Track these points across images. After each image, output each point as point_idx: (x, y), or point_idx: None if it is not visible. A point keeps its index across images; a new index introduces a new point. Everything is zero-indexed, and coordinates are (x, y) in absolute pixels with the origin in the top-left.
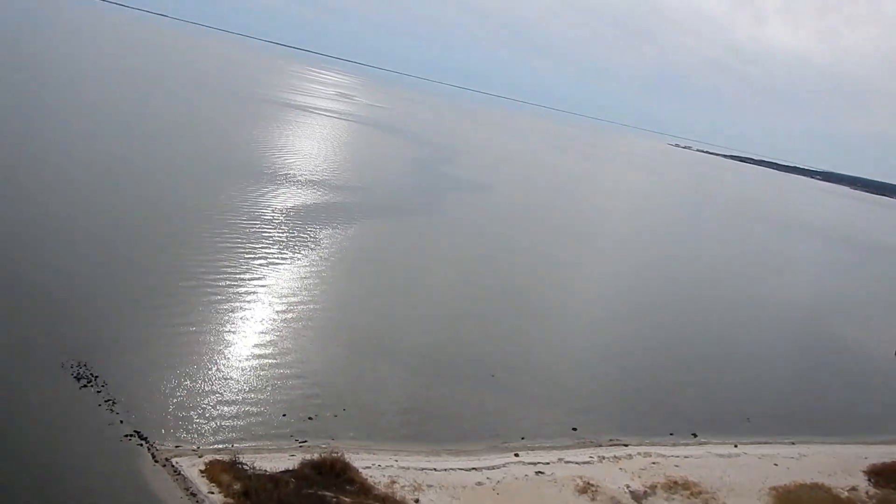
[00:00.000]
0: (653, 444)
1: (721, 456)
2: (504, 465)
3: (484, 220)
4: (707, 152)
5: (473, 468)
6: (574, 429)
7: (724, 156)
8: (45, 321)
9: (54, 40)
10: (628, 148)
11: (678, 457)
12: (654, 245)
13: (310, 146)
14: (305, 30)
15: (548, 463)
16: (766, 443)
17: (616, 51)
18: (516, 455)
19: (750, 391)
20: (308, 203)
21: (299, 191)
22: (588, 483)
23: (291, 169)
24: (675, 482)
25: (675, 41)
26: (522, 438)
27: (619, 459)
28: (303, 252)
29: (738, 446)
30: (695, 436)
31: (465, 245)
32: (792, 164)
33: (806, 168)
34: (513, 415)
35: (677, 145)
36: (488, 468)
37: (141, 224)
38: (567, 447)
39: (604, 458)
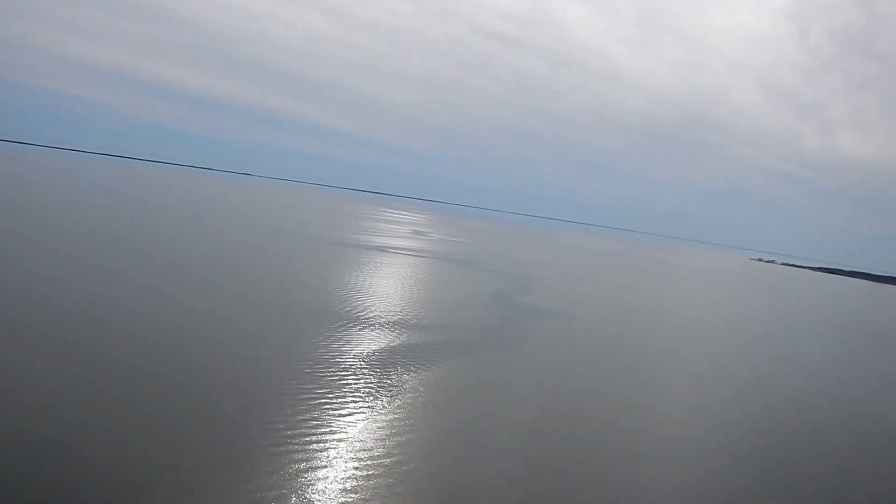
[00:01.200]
0: None
1: None
2: None
3: (568, 351)
4: (793, 265)
5: None
6: None
7: (813, 268)
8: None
9: (138, 202)
10: (710, 264)
11: None
12: (764, 376)
13: (388, 286)
14: (375, 173)
15: None
16: None
17: (673, 167)
18: None
19: None
20: (389, 346)
21: (380, 334)
22: None
23: (371, 311)
24: None
25: (737, 153)
26: None
27: None
28: (387, 400)
29: None
30: None
31: (550, 380)
32: (886, 274)
33: None
34: None
35: (760, 259)
36: None
37: (221, 376)
38: None
39: None
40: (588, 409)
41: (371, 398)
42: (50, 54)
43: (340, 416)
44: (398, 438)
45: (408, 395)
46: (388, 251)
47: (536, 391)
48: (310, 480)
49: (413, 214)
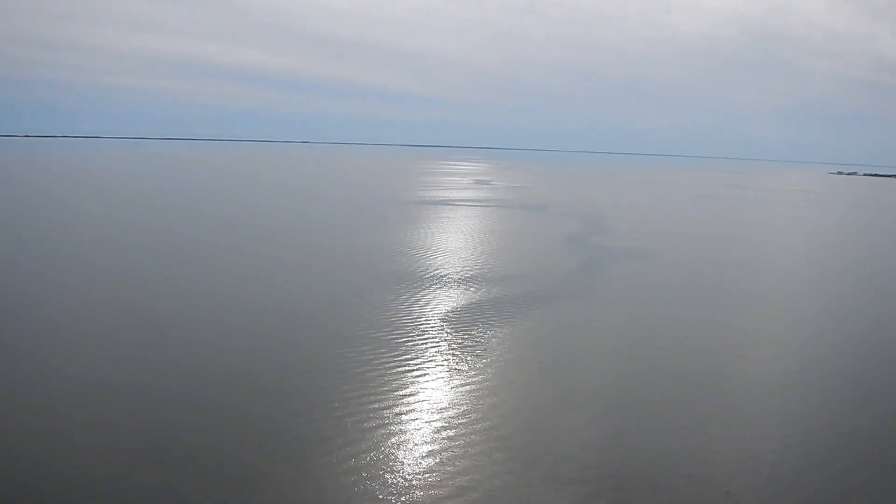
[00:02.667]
0: None
1: None
2: None
3: (652, 291)
4: (876, 175)
5: None
6: None
7: None
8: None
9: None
10: (786, 184)
11: None
12: (860, 300)
13: (458, 240)
14: (431, 128)
15: None
16: None
17: (741, 89)
18: None
19: None
20: (467, 303)
21: (455, 291)
22: None
23: (444, 268)
24: None
25: (808, 66)
26: None
27: None
28: (469, 359)
29: None
30: None
31: (636, 323)
32: None
33: None
34: None
35: (840, 172)
36: None
37: (300, 344)
38: None
39: None
40: (680, 350)
41: (453, 359)
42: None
43: (421, 379)
44: (485, 398)
45: (491, 352)
46: (453, 204)
47: (623, 336)
48: (395, 443)
49: (474, 164)
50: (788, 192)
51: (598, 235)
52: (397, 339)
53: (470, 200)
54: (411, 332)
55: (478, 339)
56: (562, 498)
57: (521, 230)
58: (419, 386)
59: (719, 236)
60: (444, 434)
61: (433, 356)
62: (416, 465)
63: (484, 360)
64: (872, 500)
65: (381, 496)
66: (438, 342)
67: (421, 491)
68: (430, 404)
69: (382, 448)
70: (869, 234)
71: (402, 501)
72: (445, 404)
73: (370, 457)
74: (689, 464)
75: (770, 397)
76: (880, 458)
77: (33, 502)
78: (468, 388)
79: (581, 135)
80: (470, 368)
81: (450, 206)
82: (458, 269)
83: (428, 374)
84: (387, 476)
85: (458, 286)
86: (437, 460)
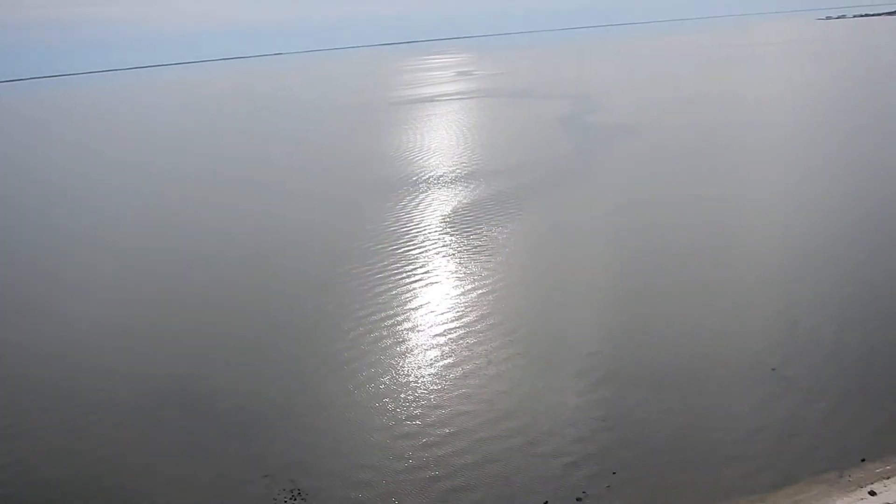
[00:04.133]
0: None
1: None
2: None
3: (650, 166)
4: (866, 15)
5: None
6: None
7: (890, 13)
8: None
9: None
10: (774, 36)
11: None
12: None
13: (448, 137)
14: (402, 24)
15: None
16: None
17: None
18: (871, 493)
19: None
20: (467, 202)
21: (451, 190)
22: None
23: (438, 168)
24: None
25: None
26: (863, 460)
27: None
28: (480, 263)
29: None
30: None
31: (636, 202)
32: None
33: None
34: (834, 428)
35: (829, 17)
36: None
37: (303, 272)
38: None
39: None
40: (688, 226)
41: (460, 263)
42: None
43: (430, 287)
44: (496, 299)
45: (497, 250)
46: (438, 100)
47: (630, 217)
48: (411, 354)
49: (453, 56)
50: (776, 45)
51: (590, 114)
52: (401, 248)
53: (455, 94)
54: (414, 240)
55: (483, 239)
56: (591, 392)
57: (510, 118)
58: (428, 295)
59: (711, 100)
60: (459, 339)
61: (440, 262)
62: (434, 372)
63: (491, 260)
64: None
65: (399, 408)
66: (443, 247)
67: (439, 395)
68: (441, 312)
69: (399, 363)
70: (860, 81)
71: (418, 406)
72: (457, 310)
73: (389, 373)
74: (724, 343)
75: (793, 264)
76: None
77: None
78: (478, 290)
79: (559, 12)
80: (478, 270)
81: (436, 103)
82: (453, 167)
83: (436, 281)
84: (402, 388)
85: (456, 185)
86: (453, 364)
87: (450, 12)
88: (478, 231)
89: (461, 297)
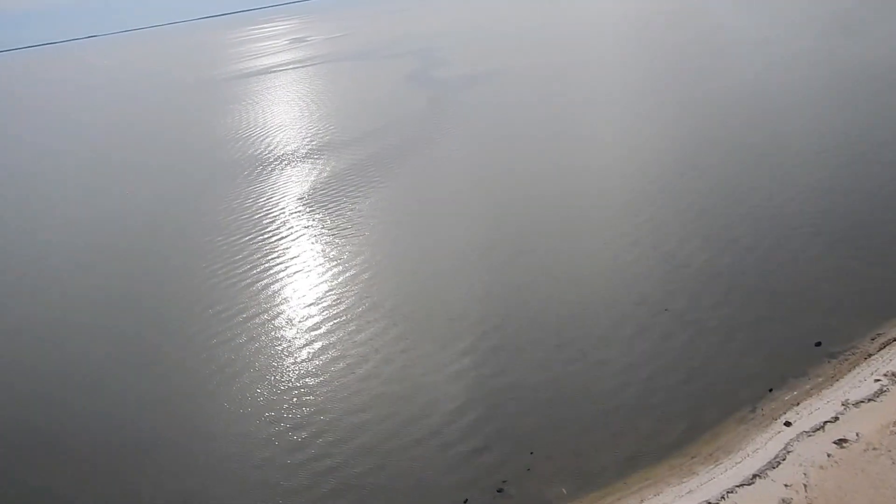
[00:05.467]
0: None
1: None
2: (788, 450)
3: (502, 115)
4: None
5: (755, 475)
6: (818, 343)
7: None
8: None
9: None
10: None
11: None
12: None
13: (292, 110)
14: None
15: (836, 419)
16: None
17: None
18: (787, 424)
19: None
20: (322, 176)
21: (306, 166)
22: None
23: (288, 144)
24: None
25: None
26: (770, 390)
27: None
28: (345, 238)
29: None
30: None
31: (493, 156)
32: None
33: None
34: (731, 361)
35: None
36: (771, 466)
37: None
38: (833, 379)
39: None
40: (550, 171)
41: (324, 241)
42: None
43: (295, 271)
44: (365, 274)
45: (362, 223)
46: (275, 71)
47: (493, 170)
48: (279, 346)
49: (284, 23)
50: None
51: (436, 69)
52: (261, 237)
53: (292, 63)
54: (274, 226)
55: (347, 215)
56: (485, 364)
57: (356, 83)
58: (298, 284)
59: (549, 37)
60: (338, 328)
61: (305, 247)
62: (317, 371)
63: (358, 236)
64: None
65: (284, 418)
66: (306, 229)
67: (326, 398)
68: (315, 302)
69: (278, 366)
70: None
71: (305, 413)
72: (332, 297)
73: (267, 379)
74: (610, 290)
75: (655, 197)
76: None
77: None
78: (351, 272)
79: None
80: (347, 249)
81: (273, 74)
82: (304, 141)
83: (303, 268)
84: (285, 395)
85: (310, 160)
86: (337, 358)
87: None
88: (340, 207)
89: (334, 282)
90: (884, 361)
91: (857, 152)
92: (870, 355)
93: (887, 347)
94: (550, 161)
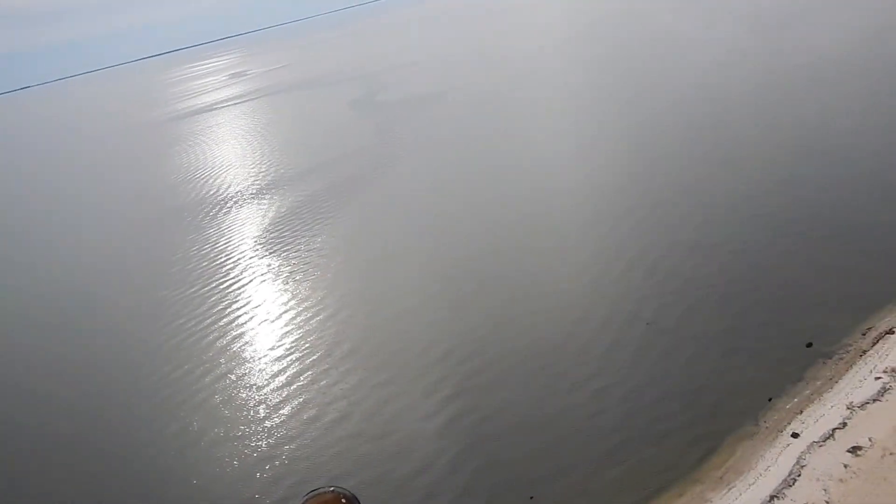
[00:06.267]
0: None
1: None
2: (801, 464)
3: (451, 133)
4: None
5: (772, 496)
6: (809, 344)
7: None
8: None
9: None
10: None
11: None
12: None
13: (237, 147)
14: (160, 33)
15: (844, 424)
16: None
17: None
18: (794, 435)
19: None
20: (276, 215)
21: (257, 205)
22: None
23: (234, 183)
24: None
25: None
26: (770, 400)
27: None
28: (302, 276)
29: None
30: None
31: (446, 174)
32: None
33: None
34: (724, 372)
35: None
36: (786, 484)
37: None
38: (832, 381)
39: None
40: (499, 188)
41: (281, 282)
42: None
43: (251, 315)
44: (326, 314)
45: (318, 260)
46: (217, 108)
47: (448, 193)
48: (246, 412)
49: (222, 58)
50: None
51: (382, 94)
52: (217, 287)
53: (235, 98)
54: (230, 273)
55: (305, 254)
56: (461, 402)
57: (301, 114)
58: (261, 336)
59: (490, 55)
60: (309, 383)
61: (264, 293)
62: (291, 435)
63: (319, 276)
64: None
65: (237, 434)
66: (264, 273)
67: (289, 437)
68: (280, 354)
69: (249, 434)
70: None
71: (258, 432)
72: (298, 346)
73: (238, 452)
74: (592, 308)
75: (629, 208)
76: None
77: None
78: (316, 316)
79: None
80: (308, 292)
81: (215, 111)
82: (252, 179)
83: (266, 317)
84: (239, 418)
85: (260, 199)
86: (301, 399)
87: (197, 16)
88: (297, 246)
89: (297, 330)
90: (881, 357)
91: (811, 145)
92: (864, 352)
93: (881, 341)
94: (508, 181)
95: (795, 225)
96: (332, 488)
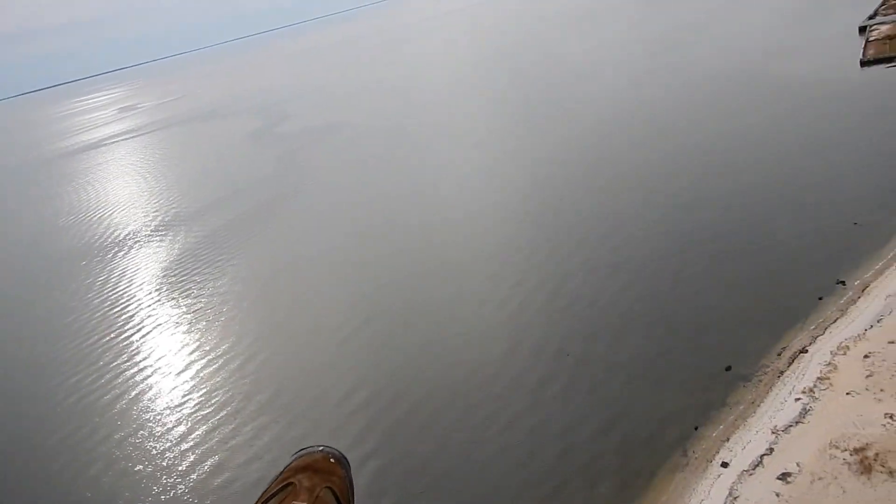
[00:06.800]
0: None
1: None
2: (734, 495)
3: (355, 161)
4: None
5: None
6: (728, 368)
7: None
8: None
9: None
10: (428, 12)
11: None
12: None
13: (133, 185)
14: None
15: (771, 450)
16: None
17: None
18: (724, 465)
19: None
20: (174, 256)
21: (155, 246)
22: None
23: (129, 224)
24: None
25: None
26: (696, 428)
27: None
28: (207, 322)
29: None
30: None
31: (362, 205)
32: None
33: None
34: (647, 402)
35: None
36: None
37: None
38: (754, 404)
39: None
40: (400, 221)
41: (184, 329)
42: None
43: (153, 367)
44: (233, 363)
45: (222, 303)
46: (107, 144)
47: (352, 225)
48: (156, 479)
49: (110, 92)
50: (434, 19)
51: (281, 125)
52: (115, 338)
53: (126, 133)
54: (126, 312)
55: (207, 297)
56: (385, 451)
57: (198, 147)
58: (167, 392)
59: (389, 83)
60: (202, 421)
61: (168, 343)
62: (177, 466)
63: (224, 321)
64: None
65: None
66: (166, 321)
67: (184, 486)
68: (189, 411)
69: (136, 460)
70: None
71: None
72: (207, 400)
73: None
74: (508, 342)
75: (537, 235)
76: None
77: None
78: (226, 366)
79: (219, 23)
80: (210, 332)
81: (106, 147)
82: (149, 217)
83: (170, 369)
84: (144, 473)
85: (159, 237)
86: (202, 451)
87: (77, 50)
88: (200, 287)
89: (205, 382)
90: (797, 377)
91: (713, 167)
92: (782, 372)
93: (796, 361)
94: (416, 210)
95: (706, 245)
96: (321, 447)
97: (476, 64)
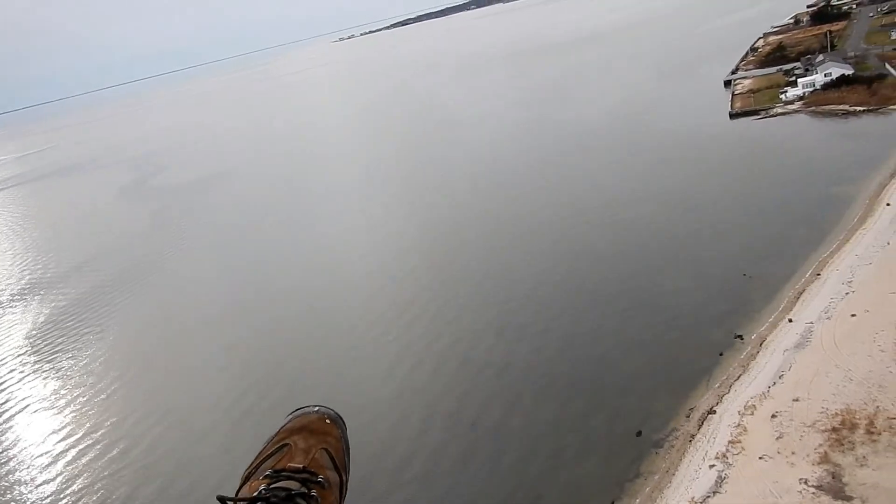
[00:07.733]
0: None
1: None
2: None
3: (236, 220)
4: (372, 31)
5: None
6: (639, 433)
7: (388, 27)
8: None
9: None
10: (296, 65)
11: None
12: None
13: None
14: None
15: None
16: None
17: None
18: None
19: None
20: (36, 327)
21: (14, 316)
22: None
23: None
24: None
25: None
26: (613, 503)
27: None
28: (71, 399)
29: None
30: None
31: (246, 267)
32: (444, 7)
33: (459, 4)
34: (562, 476)
35: (340, 39)
36: None
37: None
38: (669, 473)
39: None
40: (287, 281)
41: (47, 408)
42: None
43: (15, 450)
44: (105, 443)
45: (88, 376)
46: None
47: (226, 294)
48: None
49: None
50: (306, 71)
51: (156, 177)
52: None
53: None
54: None
55: (74, 368)
56: None
57: (65, 203)
58: (16, 473)
59: (265, 137)
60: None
61: (33, 434)
62: None
63: (91, 395)
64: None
65: None
66: (20, 395)
67: None
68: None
69: None
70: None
71: None
72: (77, 485)
73: None
74: (404, 402)
75: (431, 294)
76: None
77: None
78: (79, 447)
79: (92, 72)
80: (79, 413)
81: None
82: (4, 284)
83: (24, 448)
84: None
85: (17, 307)
86: None
87: None
88: (67, 361)
89: (72, 479)
90: (709, 441)
91: (613, 221)
92: (693, 436)
93: (706, 423)
94: (298, 270)
95: (608, 304)
96: (316, 407)
97: (360, 112)
